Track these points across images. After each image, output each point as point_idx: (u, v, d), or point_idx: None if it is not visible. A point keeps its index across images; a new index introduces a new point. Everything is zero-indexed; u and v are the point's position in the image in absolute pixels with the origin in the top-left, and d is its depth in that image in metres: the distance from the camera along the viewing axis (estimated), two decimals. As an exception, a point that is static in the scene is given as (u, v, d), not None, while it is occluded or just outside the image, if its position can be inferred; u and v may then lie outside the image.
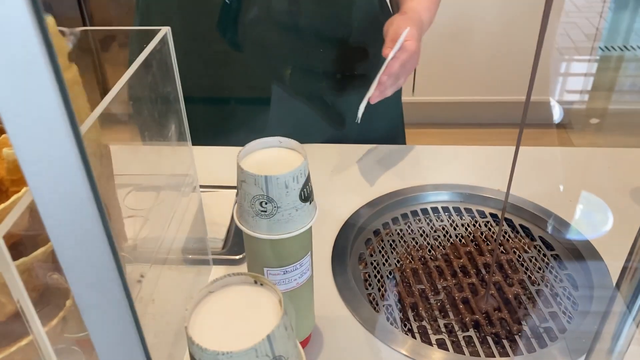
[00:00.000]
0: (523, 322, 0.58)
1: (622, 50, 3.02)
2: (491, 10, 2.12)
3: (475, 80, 2.28)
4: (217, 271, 0.65)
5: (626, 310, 0.44)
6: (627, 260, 0.44)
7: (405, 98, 2.56)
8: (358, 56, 0.88)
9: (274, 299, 0.33)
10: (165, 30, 0.50)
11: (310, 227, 0.48)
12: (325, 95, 0.87)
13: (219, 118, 0.86)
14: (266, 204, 0.44)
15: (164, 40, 0.50)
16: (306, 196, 0.45)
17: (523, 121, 0.53)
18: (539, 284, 0.63)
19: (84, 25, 1.98)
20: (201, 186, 0.76)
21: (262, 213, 0.44)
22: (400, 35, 0.70)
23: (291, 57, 0.83)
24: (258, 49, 0.81)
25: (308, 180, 0.45)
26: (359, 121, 0.70)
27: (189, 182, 0.59)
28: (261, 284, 0.34)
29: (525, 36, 2.13)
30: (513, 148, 0.85)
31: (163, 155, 0.56)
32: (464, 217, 0.74)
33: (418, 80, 2.32)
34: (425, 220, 0.74)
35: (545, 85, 2.27)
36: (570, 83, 2.42)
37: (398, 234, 0.71)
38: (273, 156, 0.47)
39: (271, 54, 0.82)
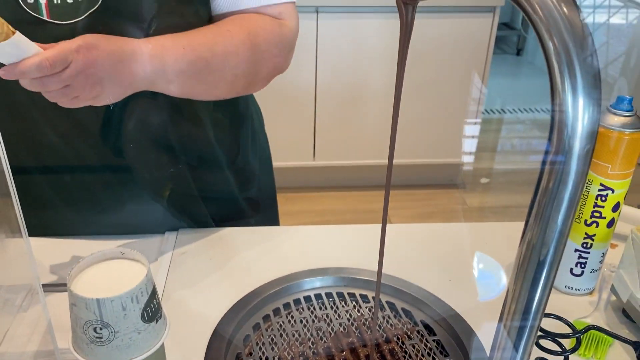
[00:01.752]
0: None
1: (503, 112, 3.28)
2: (382, 79, 2.22)
3: (372, 145, 2.35)
4: (71, 389, 0.57)
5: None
6: (495, 340, 0.43)
7: (305, 162, 2.57)
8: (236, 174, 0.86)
9: None
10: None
11: (162, 346, 0.43)
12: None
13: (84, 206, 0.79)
14: (101, 329, 0.38)
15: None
16: (151, 315, 0.40)
17: (387, 192, 0.52)
18: (421, 375, 0.61)
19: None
20: (55, 285, 0.68)
21: (98, 340, 0.39)
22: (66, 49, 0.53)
23: (166, 175, 0.78)
24: (137, 161, 0.75)
25: (153, 296, 0.41)
26: None
27: (27, 289, 0.52)
28: None
29: (417, 103, 2.24)
30: (399, 225, 0.86)
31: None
32: (347, 304, 0.71)
33: (317, 146, 2.36)
34: (309, 309, 0.70)
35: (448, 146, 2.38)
36: (460, 144, 2.56)
37: (279, 327, 0.67)
38: (113, 271, 0.42)
39: (149, 168, 0.77)
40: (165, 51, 0.62)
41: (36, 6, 0.62)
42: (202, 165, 0.81)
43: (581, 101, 0.30)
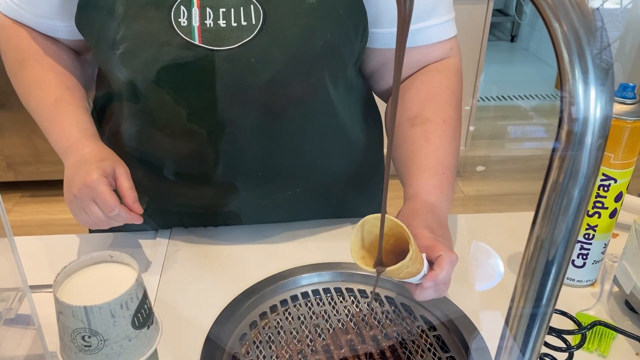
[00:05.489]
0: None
1: (499, 100, 3.26)
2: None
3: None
4: (63, 394, 0.56)
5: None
6: (501, 338, 0.42)
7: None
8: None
9: None
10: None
11: (155, 352, 0.42)
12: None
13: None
14: (90, 337, 0.37)
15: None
16: (142, 321, 0.39)
17: (385, 185, 0.50)
18: (422, 372, 0.59)
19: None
20: (46, 285, 0.66)
21: (87, 348, 0.37)
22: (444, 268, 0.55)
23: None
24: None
25: (144, 301, 0.39)
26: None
27: (16, 291, 0.50)
28: None
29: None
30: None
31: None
32: (345, 299, 0.70)
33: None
34: (306, 306, 0.69)
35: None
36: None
37: (277, 324, 0.66)
38: (101, 276, 0.40)
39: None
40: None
41: (189, 30, 0.59)
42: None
43: (593, 91, 0.29)
